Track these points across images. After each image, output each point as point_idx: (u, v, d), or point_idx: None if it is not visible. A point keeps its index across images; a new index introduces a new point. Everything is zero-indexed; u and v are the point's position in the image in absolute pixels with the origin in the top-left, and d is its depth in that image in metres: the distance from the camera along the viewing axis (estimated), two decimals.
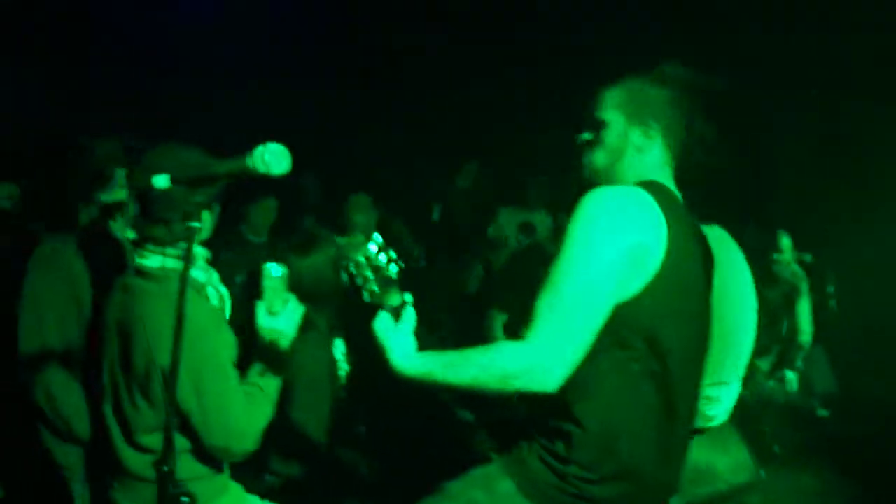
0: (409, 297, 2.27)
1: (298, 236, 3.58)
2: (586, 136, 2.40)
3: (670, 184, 2.33)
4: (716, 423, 4.12)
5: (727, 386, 3.99)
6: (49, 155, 4.99)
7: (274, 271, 2.58)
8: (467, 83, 8.81)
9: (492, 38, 8.71)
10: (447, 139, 8.76)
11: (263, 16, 8.51)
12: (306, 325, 2.71)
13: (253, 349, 2.58)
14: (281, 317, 2.59)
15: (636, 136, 2.32)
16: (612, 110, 2.35)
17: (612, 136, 2.34)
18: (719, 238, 3.81)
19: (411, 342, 2.22)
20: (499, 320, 4.88)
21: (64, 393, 2.98)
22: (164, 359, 2.17)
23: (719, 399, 3.99)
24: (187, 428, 2.37)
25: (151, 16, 8.20)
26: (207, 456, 2.46)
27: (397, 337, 2.21)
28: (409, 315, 2.27)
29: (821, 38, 7.46)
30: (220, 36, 8.30)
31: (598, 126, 2.37)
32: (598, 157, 2.37)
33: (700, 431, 4.16)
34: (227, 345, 2.44)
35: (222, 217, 2.63)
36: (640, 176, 2.30)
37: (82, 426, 2.99)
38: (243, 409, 2.42)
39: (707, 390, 3.88)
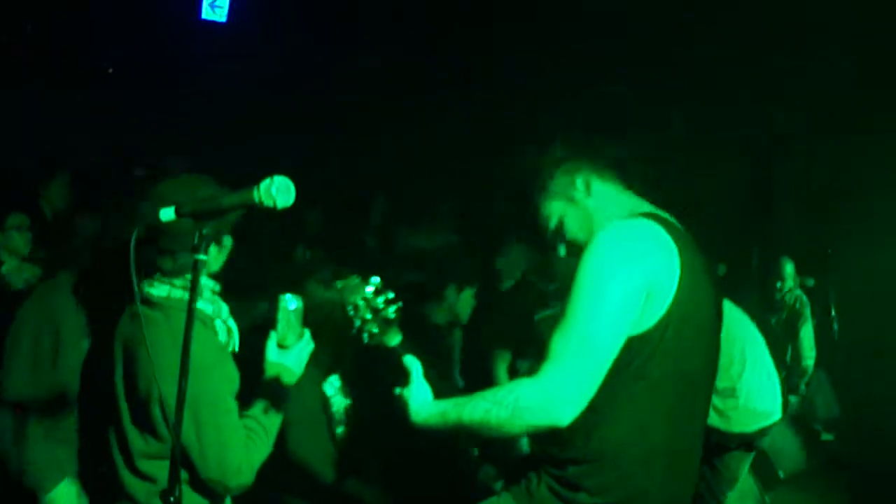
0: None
1: (326, 269, 3.57)
2: (560, 247, 2.44)
3: (664, 213, 2.35)
4: (775, 418, 4.36)
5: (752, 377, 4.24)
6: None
7: (290, 303, 2.55)
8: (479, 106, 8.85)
9: (489, 60, 8.76)
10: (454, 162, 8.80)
11: (259, 43, 8.57)
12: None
13: (257, 383, 2.57)
14: (291, 352, 2.58)
15: (579, 190, 2.38)
16: (550, 204, 2.41)
17: (570, 218, 2.39)
18: None
19: (426, 390, 2.25)
20: (502, 361, 4.88)
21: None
22: (165, 388, 2.15)
23: (755, 391, 4.23)
24: (186, 459, 2.35)
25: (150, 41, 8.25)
26: (206, 487, 2.44)
27: (413, 389, 2.24)
28: (413, 361, 2.28)
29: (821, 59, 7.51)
30: (219, 63, 8.36)
31: (556, 231, 2.42)
32: (572, 236, 2.39)
33: (764, 433, 4.31)
34: (229, 379, 2.43)
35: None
36: (613, 207, 2.33)
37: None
38: (242, 444, 2.40)
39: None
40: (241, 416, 2.47)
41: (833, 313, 7.00)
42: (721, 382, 4.14)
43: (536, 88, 8.35)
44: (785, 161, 8.45)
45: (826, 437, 6.62)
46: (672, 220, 2.31)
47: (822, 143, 7.99)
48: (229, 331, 2.57)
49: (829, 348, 6.87)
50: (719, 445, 4.32)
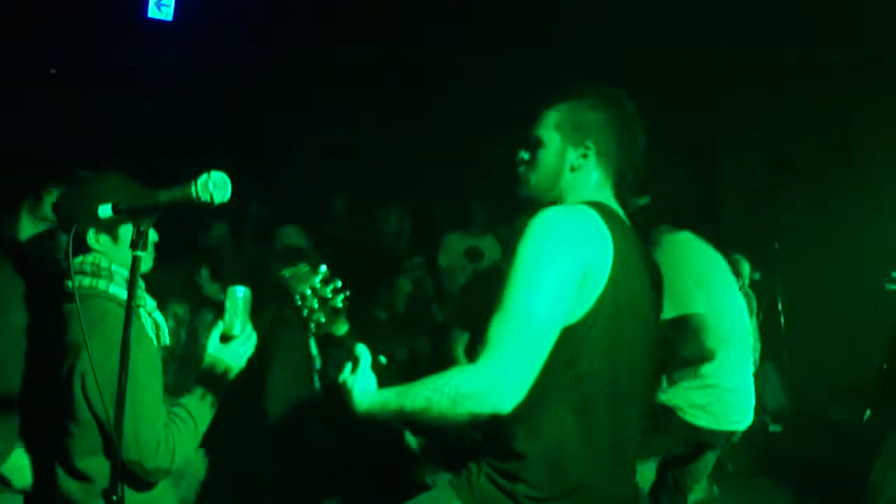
0: (383, 360, 2.29)
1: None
2: (524, 154, 2.43)
3: (614, 204, 2.36)
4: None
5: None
6: None
7: (238, 292, 2.57)
8: (407, 102, 8.87)
9: (432, 55, 8.79)
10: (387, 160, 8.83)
11: (210, 38, 8.51)
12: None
13: (194, 374, 2.58)
14: (231, 346, 2.58)
15: (572, 156, 2.35)
16: (549, 130, 2.38)
17: (548, 155, 2.37)
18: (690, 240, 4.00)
19: (371, 379, 2.23)
20: (460, 340, 4.88)
21: None
22: (83, 368, 2.21)
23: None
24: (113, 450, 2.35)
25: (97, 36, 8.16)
26: (132, 478, 2.42)
27: (358, 377, 2.22)
28: (363, 349, 2.27)
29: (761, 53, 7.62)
30: (165, 62, 8.30)
31: (535, 145, 2.39)
32: (535, 177, 2.39)
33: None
34: (146, 355, 2.43)
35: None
36: (580, 196, 2.33)
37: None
38: (159, 422, 2.41)
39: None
40: (171, 404, 2.50)
41: (780, 306, 7.11)
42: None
43: (492, 93, 8.39)
44: (731, 155, 8.58)
45: (774, 428, 6.73)
46: (617, 210, 2.33)
47: (769, 138, 8.12)
48: (155, 323, 2.58)
49: (776, 341, 6.99)
50: (705, 444, 4.06)
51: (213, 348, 2.58)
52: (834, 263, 7.61)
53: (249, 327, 2.62)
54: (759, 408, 6.54)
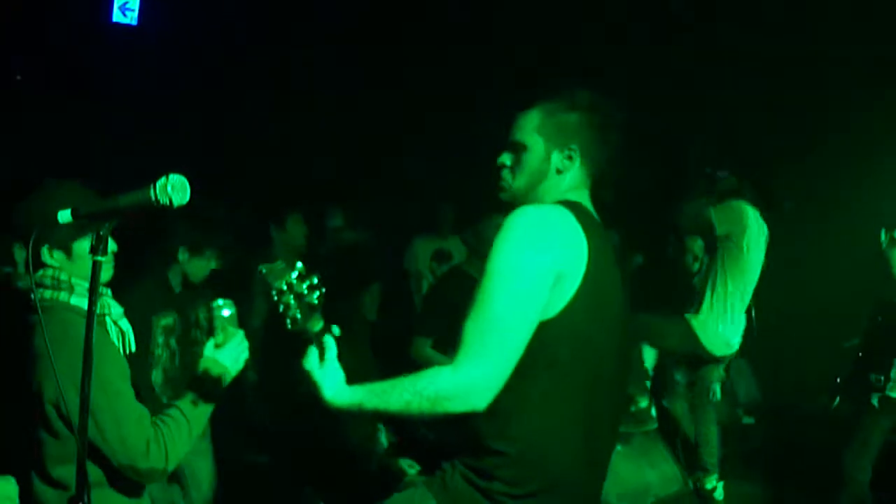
0: (336, 330, 2.27)
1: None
2: (506, 159, 2.42)
3: (588, 203, 2.37)
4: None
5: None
6: None
7: (222, 310, 2.59)
8: (378, 104, 8.86)
9: (402, 54, 8.79)
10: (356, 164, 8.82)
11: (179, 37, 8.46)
12: None
13: (191, 378, 2.59)
14: (225, 350, 2.59)
15: (557, 158, 2.34)
16: (532, 134, 2.36)
17: (533, 159, 2.36)
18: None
19: (340, 375, 2.23)
20: (426, 345, 4.88)
21: None
22: (50, 383, 2.22)
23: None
24: (98, 456, 2.33)
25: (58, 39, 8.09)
26: (124, 486, 2.43)
27: (326, 371, 2.21)
28: (331, 343, 2.26)
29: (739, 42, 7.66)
30: (130, 67, 8.24)
31: (518, 149, 2.38)
32: (519, 180, 2.38)
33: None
34: (114, 362, 2.43)
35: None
36: (559, 196, 2.33)
37: None
38: (143, 423, 2.40)
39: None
40: (166, 405, 2.52)
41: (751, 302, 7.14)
42: None
43: (465, 93, 8.39)
44: (699, 153, 8.60)
45: (747, 420, 6.78)
46: (589, 207, 2.34)
47: (736, 137, 8.16)
48: (121, 331, 2.57)
49: (749, 336, 7.02)
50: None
51: (209, 351, 2.59)
52: (803, 259, 7.65)
53: (241, 335, 2.63)
54: (733, 401, 6.64)
